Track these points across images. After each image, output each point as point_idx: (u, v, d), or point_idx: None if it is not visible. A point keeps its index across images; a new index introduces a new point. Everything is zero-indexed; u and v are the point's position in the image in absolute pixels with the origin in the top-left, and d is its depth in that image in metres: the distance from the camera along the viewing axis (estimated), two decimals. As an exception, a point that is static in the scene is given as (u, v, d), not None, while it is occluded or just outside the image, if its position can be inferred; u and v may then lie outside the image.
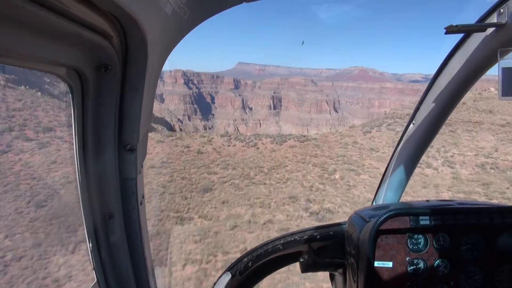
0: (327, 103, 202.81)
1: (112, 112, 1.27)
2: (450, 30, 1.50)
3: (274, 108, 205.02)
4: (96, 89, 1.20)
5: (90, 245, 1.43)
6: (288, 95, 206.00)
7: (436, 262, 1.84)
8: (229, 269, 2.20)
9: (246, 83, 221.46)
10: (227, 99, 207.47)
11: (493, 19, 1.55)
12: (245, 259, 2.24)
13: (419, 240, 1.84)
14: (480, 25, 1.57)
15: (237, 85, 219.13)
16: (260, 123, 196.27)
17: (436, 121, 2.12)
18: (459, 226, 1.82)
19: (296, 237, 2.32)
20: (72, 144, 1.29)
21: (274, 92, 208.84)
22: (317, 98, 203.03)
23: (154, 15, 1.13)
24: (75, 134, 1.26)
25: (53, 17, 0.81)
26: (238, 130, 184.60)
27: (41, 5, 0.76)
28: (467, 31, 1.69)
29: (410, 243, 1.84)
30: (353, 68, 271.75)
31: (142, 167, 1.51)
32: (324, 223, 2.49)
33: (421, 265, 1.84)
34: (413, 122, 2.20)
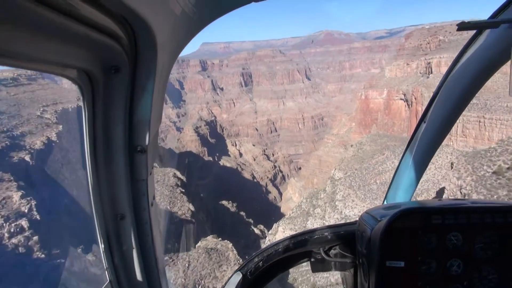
0: (298, 72, 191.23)
1: (122, 114, 1.24)
2: (462, 26, 1.45)
3: (246, 85, 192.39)
4: (106, 90, 1.17)
5: (103, 246, 1.40)
6: (258, 69, 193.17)
7: (449, 262, 1.77)
8: (240, 269, 2.17)
9: (213, 63, 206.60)
10: (196, 83, 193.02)
11: (507, 15, 1.52)
12: (256, 259, 2.21)
13: (432, 239, 1.76)
14: (493, 21, 1.52)
15: (204, 66, 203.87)
16: (234, 103, 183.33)
17: (448, 119, 2.11)
18: (472, 225, 1.75)
19: (306, 236, 2.28)
20: (84, 145, 1.26)
21: (243, 69, 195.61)
22: (288, 68, 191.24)
23: (164, 16, 1.11)
24: (86, 136, 1.23)
25: (63, 19, 0.79)
26: (212, 112, 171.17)
27: (51, 7, 0.74)
28: (479, 27, 1.66)
29: (422, 242, 1.77)
30: (318, 33, 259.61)
31: (152, 168, 1.47)
32: (335, 223, 2.48)
33: (434, 264, 1.77)
34: (425, 120, 2.19)
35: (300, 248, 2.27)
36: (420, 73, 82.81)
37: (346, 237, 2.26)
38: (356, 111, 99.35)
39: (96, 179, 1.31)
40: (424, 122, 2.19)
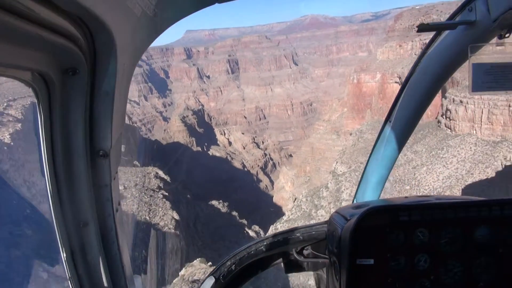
0: (285, 58, 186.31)
1: (81, 117, 1.19)
2: (421, 28, 1.53)
3: (232, 72, 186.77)
4: (63, 93, 1.12)
5: (65, 255, 1.34)
6: (244, 56, 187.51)
7: (417, 257, 1.81)
8: (213, 273, 2.18)
9: (199, 51, 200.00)
10: (182, 71, 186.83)
11: (464, 17, 1.56)
12: (228, 263, 2.22)
13: (399, 236, 1.80)
14: (451, 23, 1.60)
15: (189, 54, 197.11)
16: (221, 90, 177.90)
17: (412, 118, 2.18)
18: (437, 221, 1.80)
19: (279, 238, 2.30)
20: (40, 151, 1.20)
21: (229, 56, 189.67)
22: (275, 54, 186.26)
23: (122, 17, 1.07)
24: (43, 141, 1.18)
25: (13, 19, 0.75)
26: (199, 101, 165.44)
27: (3, 9, 0.71)
28: (438, 29, 1.73)
29: (390, 239, 1.81)
30: (304, 18, 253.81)
31: (116, 173, 1.43)
32: (306, 224, 2.50)
33: (402, 260, 1.81)
34: (390, 120, 2.26)
35: (273, 249, 2.28)
36: (415, 54, 78.50)
37: (318, 237, 2.28)
38: (348, 95, 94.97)
39: (56, 186, 1.25)
40: (390, 122, 2.25)
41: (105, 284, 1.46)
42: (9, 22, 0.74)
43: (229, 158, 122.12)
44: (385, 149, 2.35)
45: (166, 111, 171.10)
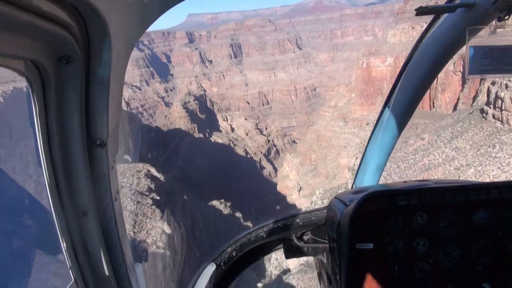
0: (289, 42, 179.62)
1: (77, 106, 1.18)
2: (420, 11, 1.52)
3: (235, 57, 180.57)
4: (58, 82, 1.11)
5: (64, 244, 1.34)
6: (247, 40, 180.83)
7: (415, 241, 1.81)
8: (213, 259, 2.17)
9: (201, 35, 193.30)
10: (184, 56, 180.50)
11: None
12: (229, 249, 2.22)
13: (398, 220, 1.80)
14: (450, 6, 1.57)
15: (191, 38, 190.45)
16: (223, 75, 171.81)
17: (410, 103, 2.15)
18: (435, 204, 1.79)
19: (279, 224, 2.30)
20: (36, 141, 1.19)
21: (232, 40, 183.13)
22: (278, 38, 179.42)
23: (115, 4, 1.06)
24: (38, 131, 1.17)
25: (5, 7, 0.74)
26: (201, 86, 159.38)
27: None
28: (437, 12, 1.72)
29: (389, 223, 1.81)
30: (308, 1, 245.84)
31: (114, 162, 1.43)
32: (306, 209, 2.53)
33: (401, 244, 1.81)
34: (388, 105, 2.24)
35: (273, 235, 2.29)
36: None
37: (317, 222, 2.29)
38: (357, 80, 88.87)
39: (53, 176, 1.23)
40: (388, 107, 2.22)
41: (106, 272, 1.46)
42: (0, 9, 0.73)
43: (231, 144, 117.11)
44: (384, 134, 2.29)
45: (168, 96, 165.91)
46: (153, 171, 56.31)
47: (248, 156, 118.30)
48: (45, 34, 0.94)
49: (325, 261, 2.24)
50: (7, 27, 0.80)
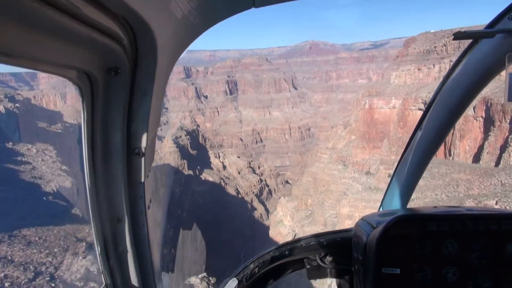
0: (285, 81, 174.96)
1: (121, 116, 1.20)
2: (458, 36, 1.46)
3: (231, 93, 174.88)
4: (105, 92, 1.13)
5: (99, 248, 1.35)
6: (244, 77, 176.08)
7: (445, 269, 1.71)
8: (236, 275, 2.12)
9: (198, 71, 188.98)
10: (180, 90, 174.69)
11: (503, 25, 1.51)
12: (252, 265, 2.16)
13: (427, 246, 1.72)
14: (489, 31, 1.53)
15: (188, 73, 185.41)
16: (218, 111, 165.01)
17: (444, 127, 2.06)
18: (467, 232, 1.70)
19: (302, 243, 2.24)
20: (81, 146, 1.22)
21: (228, 76, 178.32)
22: (274, 76, 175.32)
23: (165, 19, 1.08)
24: (84, 137, 1.19)
25: (65, 18, 0.75)
26: (195, 121, 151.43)
27: (53, 6, 0.71)
28: (475, 36, 1.65)
29: (418, 249, 1.72)
30: (304, 43, 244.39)
31: (149, 171, 1.44)
32: (331, 230, 2.45)
33: (429, 272, 1.72)
34: (421, 128, 2.16)
35: (296, 254, 2.22)
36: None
37: (342, 244, 2.21)
38: (358, 122, 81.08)
39: (94, 181, 1.25)
40: (420, 130, 2.14)
41: (135, 279, 1.44)
42: (59, 20, 0.74)
43: (222, 183, 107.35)
44: (414, 156, 2.18)
45: (161, 129, 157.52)
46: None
47: (239, 196, 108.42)
48: (98, 46, 0.95)
49: (348, 284, 2.16)
50: (66, 38, 0.81)
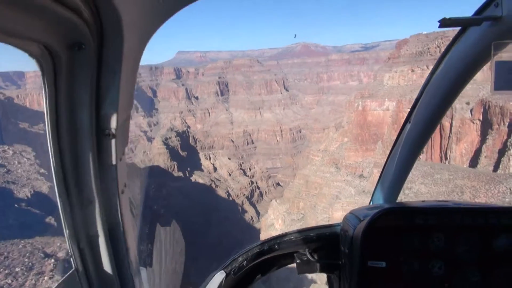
0: (276, 82, 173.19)
1: (88, 95, 1.15)
2: (444, 23, 1.42)
3: (222, 94, 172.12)
4: (69, 68, 1.08)
5: (67, 231, 1.30)
6: (235, 78, 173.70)
7: (431, 263, 1.70)
8: (224, 267, 2.06)
9: (188, 71, 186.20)
10: (170, 91, 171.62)
11: (489, 12, 1.47)
12: (240, 258, 2.10)
13: (414, 240, 1.71)
14: (476, 18, 1.48)
15: (178, 74, 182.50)
16: (208, 113, 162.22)
17: (433, 118, 2.04)
18: (454, 226, 1.70)
19: (292, 237, 2.20)
20: (45, 126, 1.16)
21: (219, 77, 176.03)
22: (266, 78, 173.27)
23: None
24: (47, 117, 1.13)
25: None
26: (185, 122, 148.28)
27: None
28: (462, 24, 1.61)
29: (404, 242, 1.71)
30: (295, 45, 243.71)
31: (123, 154, 1.39)
32: (320, 224, 2.42)
33: (416, 265, 1.71)
34: (410, 121, 2.12)
35: (286, 248, 2.18)
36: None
37: (331, 237, 2.18)
38: (351, 124, 78.95)
39: (60, 163, 1.20)
40: (409, 123, 2.09)
41: (108, 265, 1.41)
42: None
43: (213, 185, 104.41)
44: (404, 150, 2.14)
45: (151, 130, 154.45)
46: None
47: (230, 198, 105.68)
48: (58, 17, 0.91)
49: (338, 279, 2.13)
50: (21, 5, 0.77)
